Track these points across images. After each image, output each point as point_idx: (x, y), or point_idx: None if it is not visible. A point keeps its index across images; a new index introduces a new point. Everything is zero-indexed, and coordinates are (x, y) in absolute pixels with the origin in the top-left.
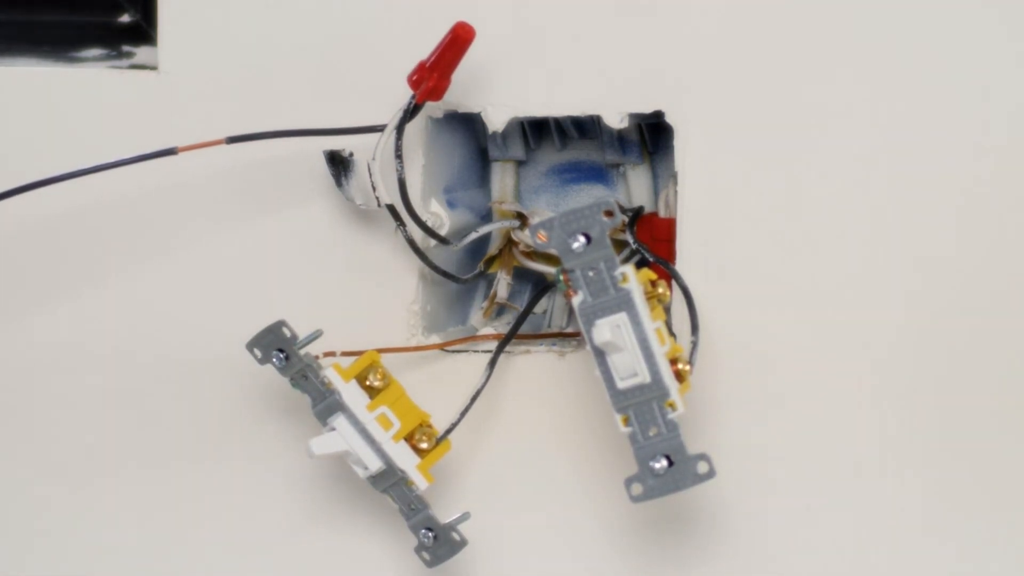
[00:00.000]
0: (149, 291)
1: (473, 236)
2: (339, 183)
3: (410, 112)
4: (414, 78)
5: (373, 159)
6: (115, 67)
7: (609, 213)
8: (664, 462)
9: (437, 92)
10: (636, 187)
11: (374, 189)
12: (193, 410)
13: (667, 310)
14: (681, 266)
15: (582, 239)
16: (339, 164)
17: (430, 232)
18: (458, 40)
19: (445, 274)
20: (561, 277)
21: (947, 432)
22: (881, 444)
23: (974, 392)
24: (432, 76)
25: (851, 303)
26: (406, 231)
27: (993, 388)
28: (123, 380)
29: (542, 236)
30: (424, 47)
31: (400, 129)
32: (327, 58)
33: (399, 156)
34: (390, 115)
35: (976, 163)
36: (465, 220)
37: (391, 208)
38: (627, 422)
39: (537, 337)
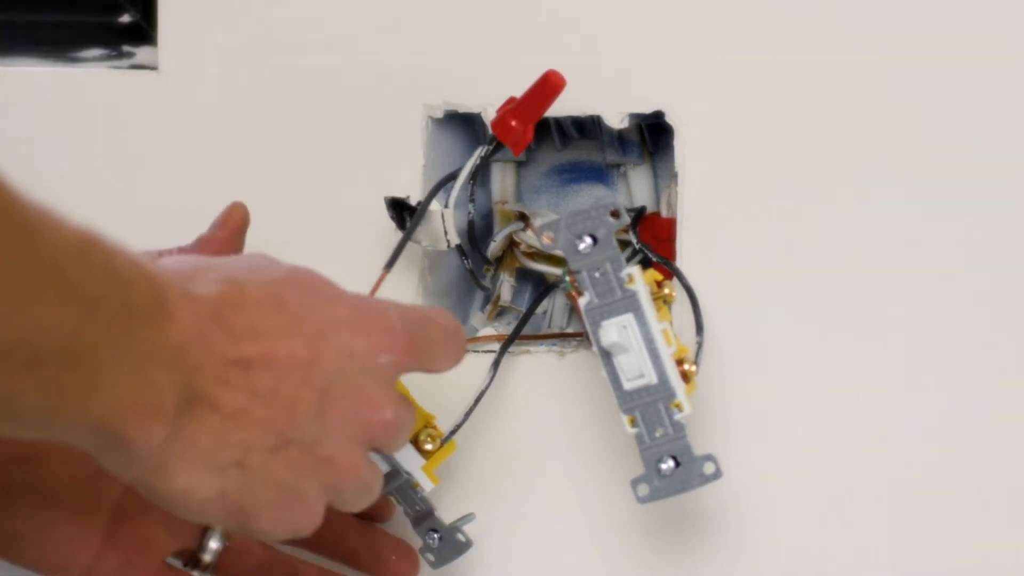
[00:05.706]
0: None
1: (494, 245)
2: (402, 227)
3: (487, 157)
4: (499, 127)
5: (446, 206)
6: (115, 67)
7: (615, 214)
8: (671, 463)
9: (522, 143)
10: (637, 187)
11: (446, 234)
12: None
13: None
14: (681, 266)
15: (588, 240)
16: (402, 209)
17: (487, 261)
18: (548, 87)
19: (481, 287)
20: (568, 278)
21: (951, 432)
22: (887, 443)
23: (980, 390)
24: (521, 127)
25: (854, 301)
26: (468, 263)
27: (998, 387)
28: None
29: (549, 238)
30: (424, 46)
31: (474, 175)
32: (327, 58)
33: (472, 200)
34: (390, 115)
35: (975, 160)
36: (465, 220)
37: (459, 248)
38: (634, 423)
39: (537, 338)
